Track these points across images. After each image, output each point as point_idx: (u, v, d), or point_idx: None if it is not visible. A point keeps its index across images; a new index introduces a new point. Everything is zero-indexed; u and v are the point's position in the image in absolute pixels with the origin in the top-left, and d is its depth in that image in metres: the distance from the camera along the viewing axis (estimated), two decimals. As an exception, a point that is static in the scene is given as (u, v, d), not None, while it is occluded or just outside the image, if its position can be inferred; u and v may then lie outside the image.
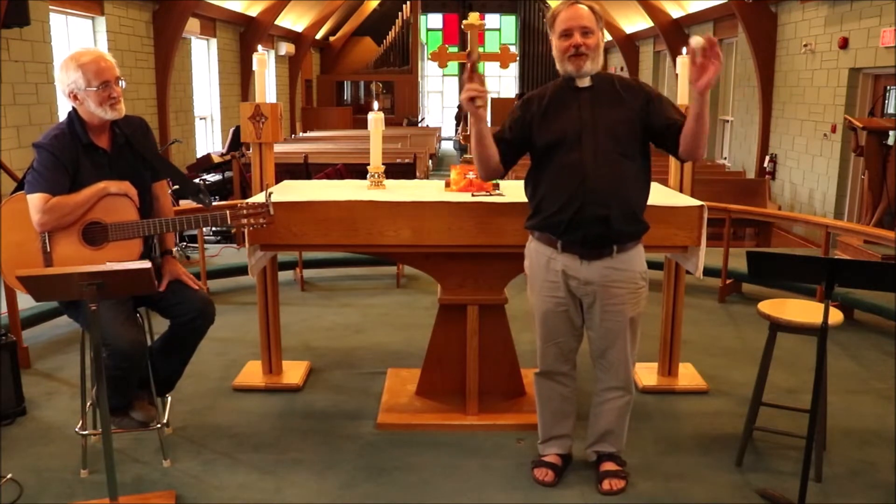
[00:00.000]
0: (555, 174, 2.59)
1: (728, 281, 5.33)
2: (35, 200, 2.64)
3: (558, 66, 2.62)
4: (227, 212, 2.82)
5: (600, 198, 2.53)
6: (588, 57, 2.54)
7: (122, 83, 2.77)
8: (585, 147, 2.54)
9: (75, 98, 2.71)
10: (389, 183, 3.58)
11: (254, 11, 13.98)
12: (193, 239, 6.62)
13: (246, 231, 3.15)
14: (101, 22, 9.25)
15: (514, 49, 23.14)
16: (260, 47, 4.50)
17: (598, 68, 2.60)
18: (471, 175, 3.35)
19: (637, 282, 2.68)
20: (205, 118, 13.15)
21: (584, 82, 2.60)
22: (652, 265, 2.87)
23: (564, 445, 2.93)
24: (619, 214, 2.55)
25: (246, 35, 14.28)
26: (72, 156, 2.71)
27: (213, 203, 3.13)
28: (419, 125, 22.34)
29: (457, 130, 22.75)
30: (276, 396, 3.63)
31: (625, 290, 2.64)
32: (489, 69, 3.75)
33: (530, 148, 2.68)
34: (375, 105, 3.89)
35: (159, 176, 2.97)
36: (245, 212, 2.82)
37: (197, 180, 8.81)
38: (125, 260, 2.69)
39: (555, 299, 2.70)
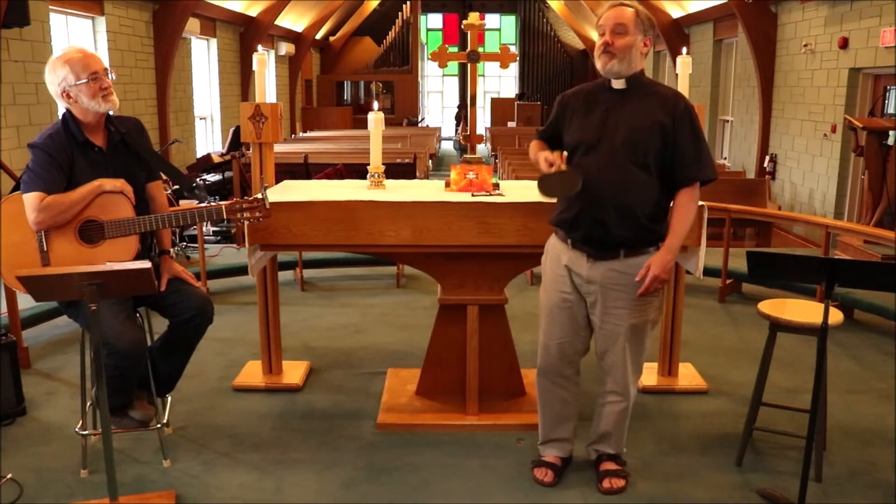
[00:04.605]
0: None
1: (728, 281, 5.33)
2: (30, 199, 2.64)
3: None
4: (224, 207, 2.83)
5: (600, 202, 2.56)
6: (616, 57, 2.54)
7: (112, 75, 2.79)
8: (601, 151, 2.57)
9: (68, 97, 2.71)
10: (389, 183, 3.58)
11: (254, 11, 13.98)
12: (193, 239, 6.62)
13: (245, 229, 3.16)
14: (101, 22, 9.25)
15: (514, 49, 23.13)
16: (260, 47, 4.50)
17: (630, 71, 2.58)
18: (471, 175, 3.35)
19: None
20: (205, 118, 13.14)
21: (619, 84, 2.61)
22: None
23: (564, 449, 2.93)
24: (617, 220, 2.56)
25: (246, 35, 14.27)
26: (67, 155, 2.71)
27: (212, 202, 3.13)
28: (419, 125, 22.32)
29: (457, 130, 22.77)
30: (276, 396, 3.63)
31: (626, 295, 2.64)
32: (489, 69, 3.76)
33: (562, 145, 2.70)
34: (375, 105, 3.89)
35: (155, 176, 2.97)
36: (241, 206, 2.82)
37: (197, 180, 8.80)
38: (122, 257, 2.70)
39: (561, 294, 2.72)
